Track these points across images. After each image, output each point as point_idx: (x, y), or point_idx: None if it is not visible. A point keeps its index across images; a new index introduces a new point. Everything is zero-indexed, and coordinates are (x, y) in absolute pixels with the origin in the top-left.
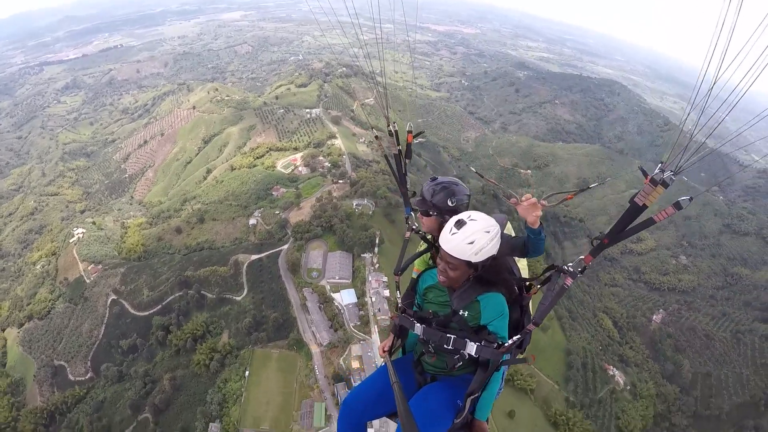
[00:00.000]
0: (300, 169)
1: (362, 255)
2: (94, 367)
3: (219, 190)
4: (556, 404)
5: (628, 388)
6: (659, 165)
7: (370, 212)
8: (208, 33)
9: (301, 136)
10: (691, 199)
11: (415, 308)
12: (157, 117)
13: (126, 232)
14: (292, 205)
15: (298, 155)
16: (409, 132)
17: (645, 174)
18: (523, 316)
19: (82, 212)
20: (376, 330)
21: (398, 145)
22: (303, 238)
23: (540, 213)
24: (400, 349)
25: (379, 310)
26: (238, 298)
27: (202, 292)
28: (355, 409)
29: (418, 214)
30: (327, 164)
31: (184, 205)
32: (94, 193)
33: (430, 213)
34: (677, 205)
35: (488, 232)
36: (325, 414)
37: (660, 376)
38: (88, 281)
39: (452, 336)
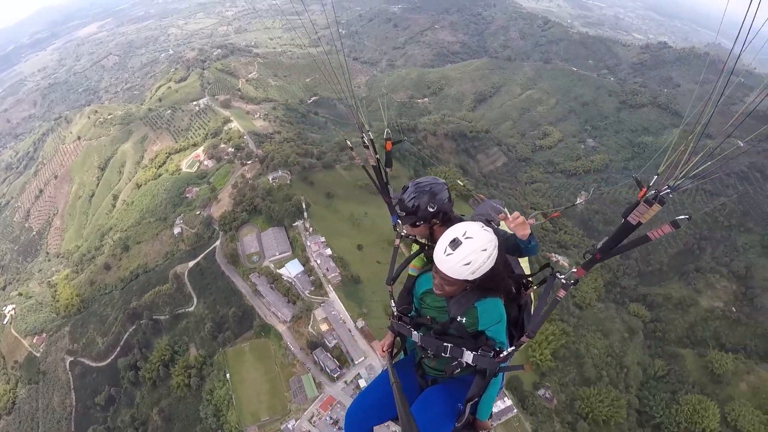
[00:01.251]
0: (205, 163)
1: (294, 224)
2: None
3: (133, 212)
4: None
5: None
6: (654, 178)
7: (288, 182)
8: (69, 56)
9: (196, 130)
10: (689, 218)
11: (412, 313)
12: (44, 161)
13: (56, 290)
14: (209, 200)
15: (199, 150)
16: (387, 140)
17: (640, 185)
18: (522, 313)
19: (3, 288)
20: (331, 289)
21: (376, 154)
22: (232, 228)
23: (528, 231)
24: (402, 351)
25: (327, 269)
26: (191, 309)
27: (154, 317)
28: (361, 414)
29: (407, 224)
30: (230, 150)
31: (102, 240)
32: (8, 264)
33: (417, 224)
34: (675, 224)
35: (485, 250)
36: (315, 382)
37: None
38: (38, 355)
39: (449, 345)
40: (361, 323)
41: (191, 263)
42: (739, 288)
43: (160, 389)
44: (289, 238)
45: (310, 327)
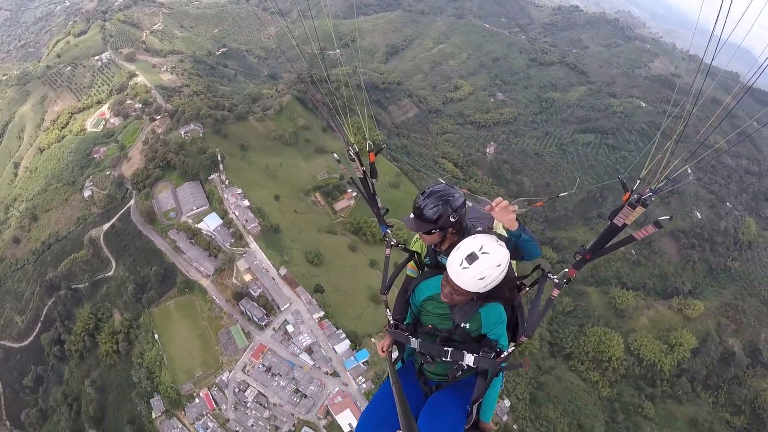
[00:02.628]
0: (112, 121)
1: (210, 178)
2: (16, 422)
3: (38, 179)
4: None
5: None
6: (637, 182)
7: (201, 135)
8: None
9: (99, 86)
10: (670, 218)
11: (408, 320)
12: None
13: None
14: (120, 159)
15: (104, 108)
16: (370, 151)
17: (625, 188)
18: (516, 312)
19: None
20: (252, 239)
21: (362, 166)
22: (146, 186)
23: (514, 216)
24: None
25: (246, 221)
26: (111, 273)
27: (73, 286)
28: (374, 426)
29: (420, 234)
30: (138, 105)
31: (8, 213)
32: None
33: (432, 231)
34: (657, 224)
35: (499, 265)
36: (243, 333)
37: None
38: None
39: (449, 349)
40: (283, 271)
41: (106, 226)
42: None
43: (89, 360)
44: (205, 192)
45: (233, 279)
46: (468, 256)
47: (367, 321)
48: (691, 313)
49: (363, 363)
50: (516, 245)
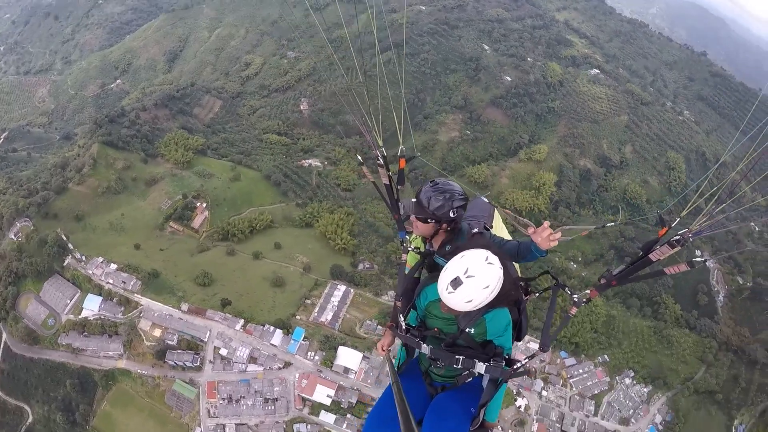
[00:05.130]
0: None
1: (65, 264)
2: None
3: None
4: None
5: None
6: (677, 220)
7: (32, 227)
8: None
9: None
10: (705, 260)
11: (416, 322)
12: None
13: None
14: None
15: None
16: (401, 157)
17: (663, 224)
18: (521, 315)
19: None
20: (139, 297)
21: (389, 172)
22: (8, 310)
23: (555, 242)
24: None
25: (124, 282)
26: (31, 419)
27: None
28: (377, 426)
29: (412, 217)
30: None
31: None
32: None
33: (428, 220)
34: (690, 264)
35: (487, 287)
36: (186, 383)
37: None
38: None
39: (460, 357)
40: (185, 306)
41: None
42: (464, 115)
43: None
44: (69, 280)
45: (146, 342)
46: (452, 281)
47: (281, 305)
48: (539, 156)
49: (303, 340)
50: (518, 250)
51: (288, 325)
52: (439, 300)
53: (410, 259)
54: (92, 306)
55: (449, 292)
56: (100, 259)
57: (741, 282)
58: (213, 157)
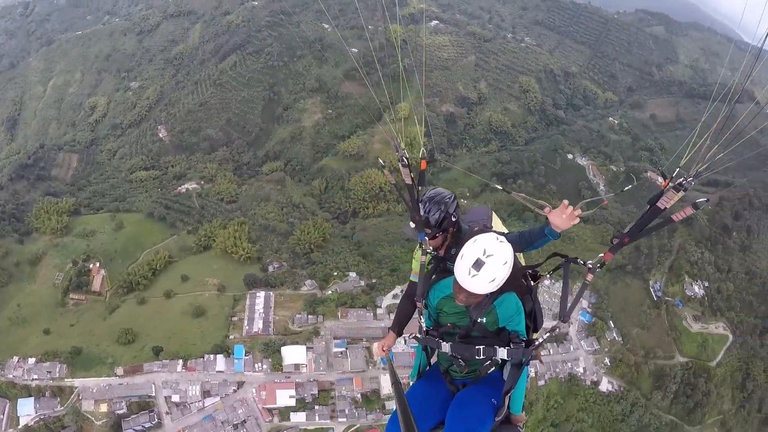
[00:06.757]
0: None
1: None
2: None
3: None
4: None
5: None
6: (677, 170)
7: None
8: None
9: None
10: (707, 200)
11: (429, 322)
12: None
13: None
14: None
15: None
16: (423, 158)
17: (664, 177)
18: (534, 304)
19: None
20: (69, 380)
21: (411, 173)
22: None
23: (577, 221)
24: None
25: (49, 372)
26: None
27: None
28: (396, 427)
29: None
30: None
31: None
32: None
33: (437, 235)
34: (695, 206)
35: (506, 263)
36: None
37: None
38: None
39: (480, 347)
40: (120, 371)
41: None
42: (323, 96)
43: None
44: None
45: (96, 422)
46: (474, 263)
47: (211, 331)
48: (404, 113)
49: (246, 355)
50: (520, 237)
51: (226, 347)
52: (451, 295)
53: (415, 266)
54: (27, 410)
55: (473, 276)
56: (15, 359)
57: (615, 169)
58: (89, 214)
